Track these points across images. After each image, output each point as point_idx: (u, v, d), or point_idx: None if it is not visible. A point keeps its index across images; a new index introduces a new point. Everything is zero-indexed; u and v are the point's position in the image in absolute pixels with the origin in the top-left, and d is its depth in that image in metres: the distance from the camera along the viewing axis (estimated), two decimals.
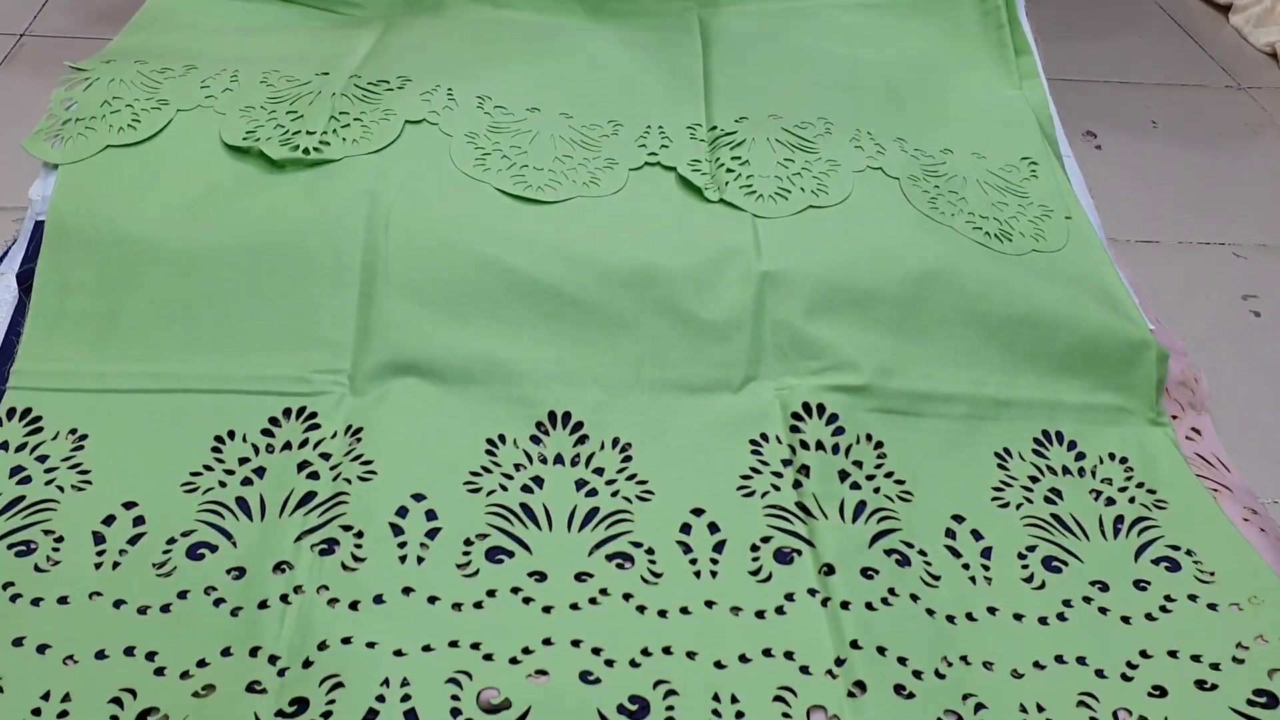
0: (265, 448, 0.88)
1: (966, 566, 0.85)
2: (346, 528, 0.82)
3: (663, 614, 0.79)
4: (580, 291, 0.97)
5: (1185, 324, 1.10)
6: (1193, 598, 0.84)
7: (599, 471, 0.89)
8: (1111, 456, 0.95)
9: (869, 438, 0.93)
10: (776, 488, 0.89)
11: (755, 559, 0.83)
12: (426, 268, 0.97)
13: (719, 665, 0.76)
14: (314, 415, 0.90)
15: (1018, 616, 0.82)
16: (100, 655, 0.73)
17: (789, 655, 0.77)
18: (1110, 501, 0.91)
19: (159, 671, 0.72)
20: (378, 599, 0.77)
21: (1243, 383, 1.06)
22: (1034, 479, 0.93)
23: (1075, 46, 1.53)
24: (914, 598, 0.81)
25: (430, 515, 0.84)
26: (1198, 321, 1.12)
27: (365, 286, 0.96)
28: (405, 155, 1.03)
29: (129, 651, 0.73)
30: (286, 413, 0.90)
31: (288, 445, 0.88)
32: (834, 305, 0.99)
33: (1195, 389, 1.02)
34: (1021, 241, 1.07)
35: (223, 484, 0.85)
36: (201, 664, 0.73)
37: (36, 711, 0.69)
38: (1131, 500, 0.92)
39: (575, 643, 0.76)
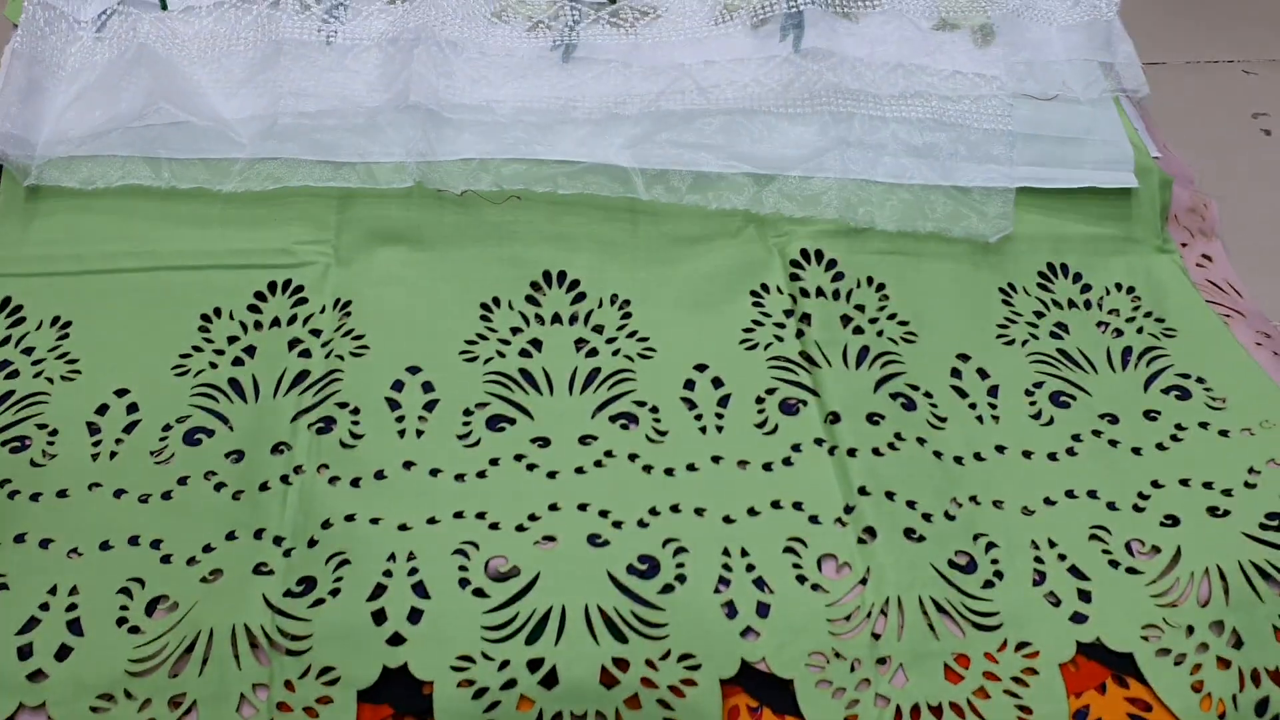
0: (254, 325, 0.86)
1: (973, 406, 0.84)
2: (342, 405, 0.80)
3: (669, 472, 0.78)
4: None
5: (1194, 146, 1.06)
6: (1204, 425, 0.83)
7: (598, 330, 0.87)
8: (1118, 287, 0.93)
9: (870, 281, 0.91)
10: (779, 338, 0.87)
11: (760, 411, 0.82)
12: None
13: (728, 520, 0.75)
14: (300, 289, 0.88)
15: (1026, 454, 0.81)
16: (105, 546, 0.73)
17: (797, 506, 0.76)
18: (1118, 333, 0.90)
19: (165, 559, 0.72)
20: (379, 475, 0.76)
21: (1255, 203, 1.02)
22: (1040, 314, 0.91)
23: None
24: (921, 441, 0.80)
25: (427, 387, 0.82)
26: (1207, 143, 1.08)
27: None
28: None
29: (133, 541, 0.73)
30: (272, 286, 0.88)
31: (276, 322, 0.86)
32: None
33: (1205, 215, 0.99)
34: None
35: (214, 365, 0.83)
36: (207, 549, 0.73)
37: (44, 606, 0.69)
38: (1140, 330, 0.90)
39: (582, 506, 0.75)
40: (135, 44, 0.96)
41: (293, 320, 0.86)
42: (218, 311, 0.86)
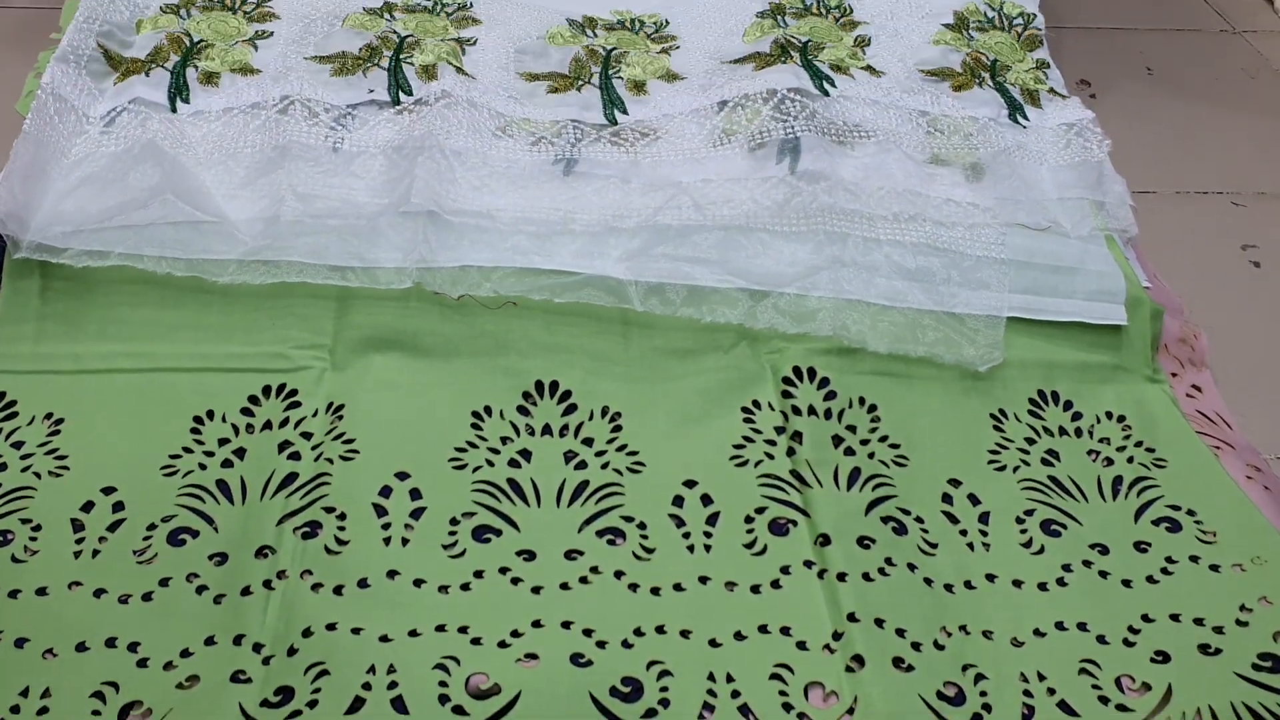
0: (245, 428, 0.86)
1: (964, 533, 0.83)
2: (329, 509, 0.80)
3: (655, 591, 0.77)
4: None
5: (1184, 276, 1.07)
6: (1194, 559, 0.82)
7: (588, 442, 0.87)
8: (1109, 415, 0.93)
9: (862, 401, 0.92)
10: (770, 456, 0.87)
11: (750, 530, 0.82)
12: None
13: (714, 643, 0.74)
14: (294, 393, 0.88)
15: (1017, 583, 0.80)
16: (81, 648, 0.71)
17: (785, 631, 0.75)
18: (1109, 462, 0.90)
19: (142, 663, 0.71)
20: (362, 583, 0.76)
21: (1243, 335, 1.03)
22: (1031, 440, 0.91)
23: None
24: (911, 567, 0.80)
25: (414, 494, 0.82)
26: (1196, 273, 1.09)
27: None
28: None
29: (110, 643, 0.72)
30: (266, 390, 0.88)
31: (268, 425, 0.86)
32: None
33: (1195, 345, 0.99)
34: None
35: (203, 466, 0.83)
36: (185, 654, 0.71)
37: (15, 709, 0.68)
38: (1130, 460, 0.90)
39: (566, 624, 0.74)
40: (143, 140, 0.97)
41: (285, 423, 0.86)
42: (210, 414, 0.86)
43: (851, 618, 0.76)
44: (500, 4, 1.21)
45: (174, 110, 1.02)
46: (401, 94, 1.06)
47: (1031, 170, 1.06)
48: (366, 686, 0.69)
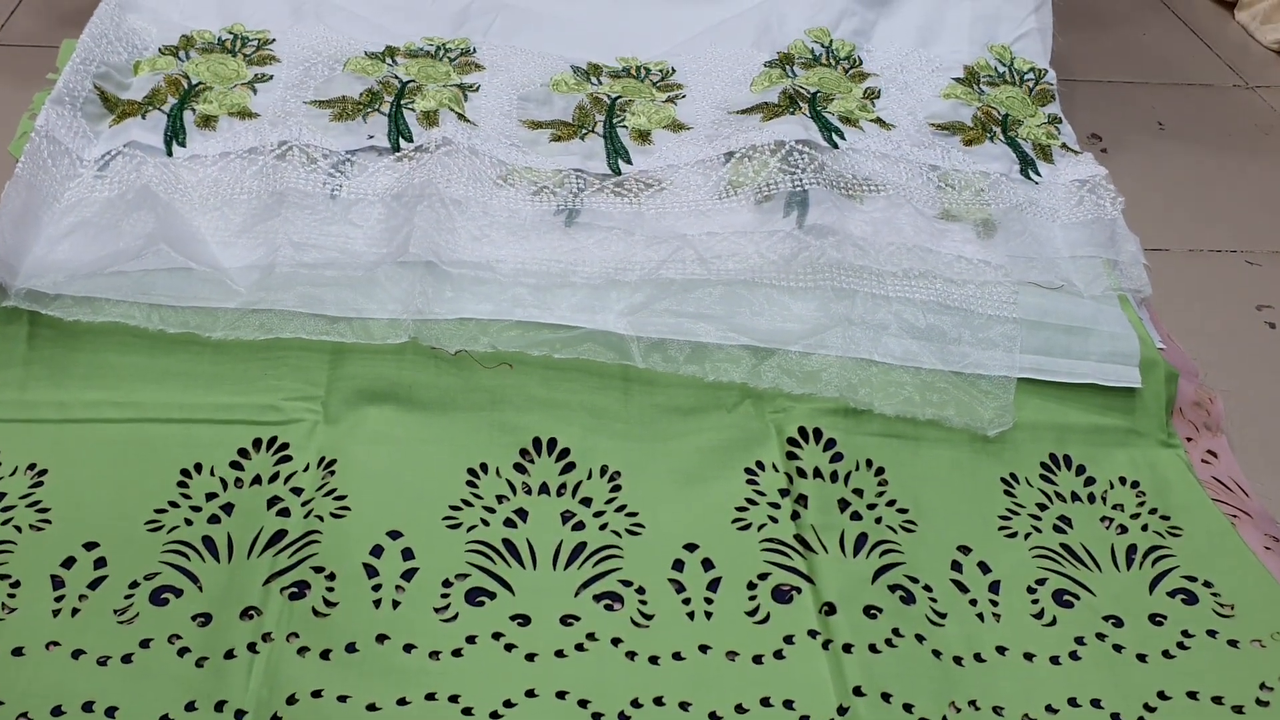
0: (234, 482, 0.83)
1: (974, 603, 0.81)
2: (318, 569, 0.77)
3: (654, 660, 0.75)
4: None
5: (1197, 337, 1.05)
6: (1212, 633, 0.80)
7: (586, 502, 0.85)
8: (1122, 481, 0.91)
9: (869, 464, 0.89)
10: (774, 519, 0.84)
11: (752, 598, 0.79)
12: None
13: (714, 716, 0.72)
14: (285, 446, 0.86)
15: (1028, 656, 0.78)
16: (57, 712, 0.69)
17: (788, 704, 0.73)
18: (1122, 529, 0.87)
19: None
20: (350, 647, 0.73)
21: (1259, 398, 1.01)
22: (1042, 506, 0.88)
23: (1078, 45, 1.49)
24: (919, 638, 0.77)
25: (407, 554, 0.79)
26: (1210, 334, 1.07)
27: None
28: None
29: (88, 707, 0.69)
30: (256, 443, 0.86)
31: (257, 479, 0.84)
32: None
33: (1210, 409, 0.97)
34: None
35: (188, 522, 0.81)
36: None
37: None
38: (1144, 528, 0.87)
39: (560, 694, 0.72)
40: (138, 185, 0.96)
41: (274, 478, 0.83)
42: (198, 467, 0.84)
43: (857, 691, 0.73)
44: (504, 50, 1.20)
45: (170, 154, 1.01)
46: (402, 140, 1.04)
47: (1043, 227, 1.04)
48: None
